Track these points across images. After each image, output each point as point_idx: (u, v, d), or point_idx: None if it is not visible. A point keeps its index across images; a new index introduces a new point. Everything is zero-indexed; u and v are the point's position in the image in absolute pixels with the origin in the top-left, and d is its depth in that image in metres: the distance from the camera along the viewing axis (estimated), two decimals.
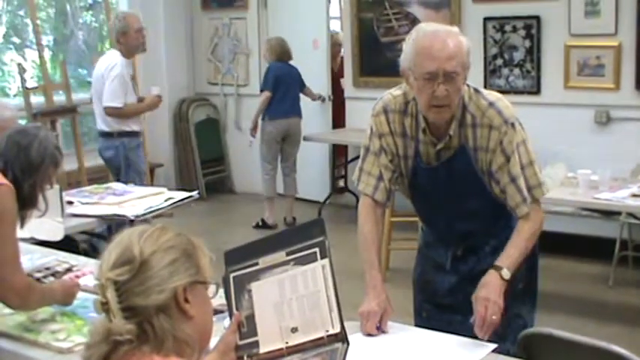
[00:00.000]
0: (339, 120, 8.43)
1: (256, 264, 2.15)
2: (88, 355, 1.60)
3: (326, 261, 2.12)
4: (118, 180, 5.92)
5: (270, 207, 7.80)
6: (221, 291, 1.90)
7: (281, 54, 7.66)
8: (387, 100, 2.78)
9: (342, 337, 2.05)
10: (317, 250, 2.13)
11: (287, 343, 2.08)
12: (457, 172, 2.68)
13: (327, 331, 2.07)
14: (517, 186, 2.62)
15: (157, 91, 6.39)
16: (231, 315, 2.13)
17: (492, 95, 2.69)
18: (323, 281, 2.10)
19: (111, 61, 6.05)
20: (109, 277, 1.60)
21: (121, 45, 6.10)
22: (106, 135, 6.15)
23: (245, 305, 2.11)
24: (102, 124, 6.15)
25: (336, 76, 8.64)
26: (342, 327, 2.07)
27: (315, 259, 2.13)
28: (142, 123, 6.47)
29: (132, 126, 6.16)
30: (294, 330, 2.08)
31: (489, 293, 2.50)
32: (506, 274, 2.55)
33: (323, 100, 8.32)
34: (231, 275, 2.15)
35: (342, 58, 8.66)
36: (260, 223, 7.71)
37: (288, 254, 2.14)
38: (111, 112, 5.99)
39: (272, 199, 7.81)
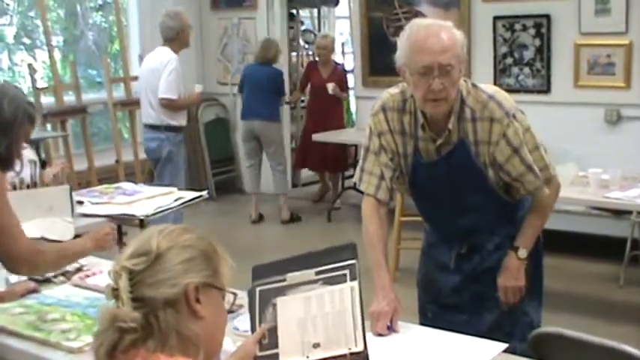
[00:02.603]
0: (321, 123, 8.24)
1: (284, 280, 2.19)
2: (98, 344, 1.62)
3: (355, 283, 2.16)
4: (153, 173, 6.34)
5: (254, 202, 8.03)
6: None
7: (257, 56, 7.83)
8: (385, 99, 2.79)
9: (364, 356, 2.08)
10: (347, 272, 2.18)
11: (307, 357, 2.10)
12: (456, 166, 2.69)
13: (350, 348, 2.09)
14: (535, 173, 2.67)
15: (199, 89, 6.75)
16: (253, 329, 2.14)
17: (490, 88, 2.70)
18: (350, 302, 2.14)
19: (164, 56, 6.32)
20: (125, 265, 1.63)
21: (174, 41, 6.39)
22: (153, 127, 6.40)
23: (269, 318, 2.14)
24: (150, 116, 6.41)
25: (322, 81, 8.33)
26: (365, 346, 2.09)
27: (345, 281, 2.16)
28: (185, 118, 6.65)
29: (180, 121, 6.48)
30: (316, 346, 2.10)
31: (507, 280, 2.78)
32: (523, 253, 2.76)
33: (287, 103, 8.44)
34: (257, 289, 2.18)
35: (335, 64, 8.56)
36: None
37: (317, 273, 2.19)
38: (166, 104, 6.29)
39: (255, 195, 8.02)
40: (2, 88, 2.71)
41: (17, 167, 2.73)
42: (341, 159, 8.47)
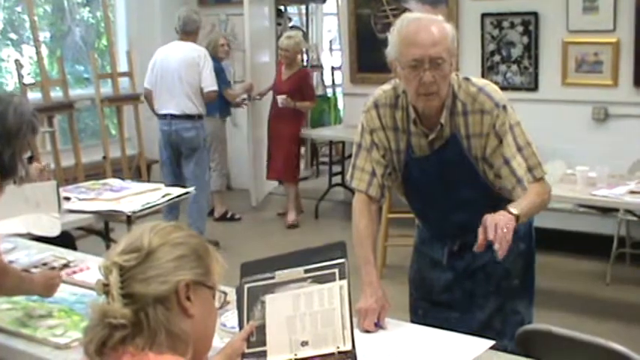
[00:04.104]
0: (275, 130, 7.94)
1: (272, 277, 2.19)
2: (88, 340, 1.62)
3: (344, 282, 2.16)
4: (179, 160, 6.78)
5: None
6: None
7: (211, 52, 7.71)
8: (377, 96, 2.79)
9: (352, 355, 2.08)
10: (336, 270, 2.17)
11: (296, 355, 2.10)
12: (448, 160, 2.68)
13: (338, 347, 2.09)
14: (511, 168, 2.62)
15: None
16: (241, 326, 2.14)
17: (480, 81, 2.71)
18: (339, 300, 2.14)
19: (199, 50, 6.78)
20: (116, 260, 1.63)
21: (193, 35, 6.85)
22: (189, 117, 6.69)
23: (257, 315, 2.14)
24: (185, 106, 6.65)
25: (279, 85, 7.82)
26: (353, 345, 2.09)
27: (334, 279, 2.16)
28: None
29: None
30: (305, 344, 2.10)
31: (496, 217, 2.36)
32: (514, 210, 2.42)
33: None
34: (246, 286, 2.18)
35: (303, 67, 8.13)
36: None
37: (306, 272, 2.18)
38: (213, 96, 6.80)
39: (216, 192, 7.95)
40: (8, 97, 2.71)
41: (22, 173, 2.70)
42: (290, 169, 7.98)
